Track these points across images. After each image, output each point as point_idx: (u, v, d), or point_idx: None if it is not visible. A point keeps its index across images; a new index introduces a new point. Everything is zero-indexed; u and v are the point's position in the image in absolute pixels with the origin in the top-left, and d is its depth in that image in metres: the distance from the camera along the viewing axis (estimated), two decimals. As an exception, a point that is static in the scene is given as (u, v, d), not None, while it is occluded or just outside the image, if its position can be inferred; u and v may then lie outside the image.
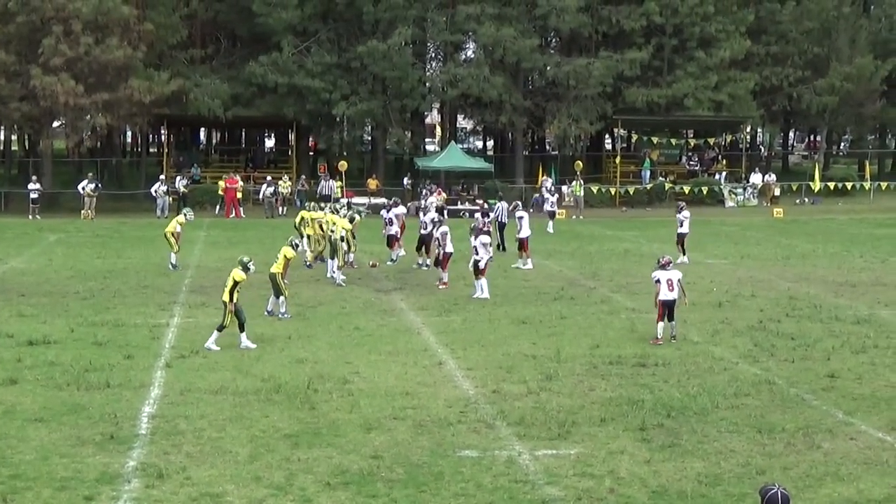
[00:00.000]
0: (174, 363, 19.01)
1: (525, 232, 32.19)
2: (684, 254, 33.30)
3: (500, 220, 37.57)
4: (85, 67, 49.62)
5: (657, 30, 59.78)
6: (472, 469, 13.35)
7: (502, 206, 39.27)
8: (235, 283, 20.29)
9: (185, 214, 32.55)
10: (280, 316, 23.60)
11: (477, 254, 26.43)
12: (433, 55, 69.36)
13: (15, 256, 34.30)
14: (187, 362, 19.14)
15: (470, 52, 65.11)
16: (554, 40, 67.56)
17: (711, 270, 31.73)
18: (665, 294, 20.77)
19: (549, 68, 60.51)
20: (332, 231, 29.14)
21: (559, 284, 28.81)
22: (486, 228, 28.70)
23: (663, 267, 21.23)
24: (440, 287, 27.84)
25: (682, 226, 33.74)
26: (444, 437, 14.67)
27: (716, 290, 27.70)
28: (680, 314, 21.58)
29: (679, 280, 21.06)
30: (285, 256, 24.09)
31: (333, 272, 28.46)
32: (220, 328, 20.28)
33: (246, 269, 20.66)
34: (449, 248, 28.33)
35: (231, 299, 20.21)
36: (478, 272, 26.42)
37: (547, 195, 46.84)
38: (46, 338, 20.80)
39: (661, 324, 20.93)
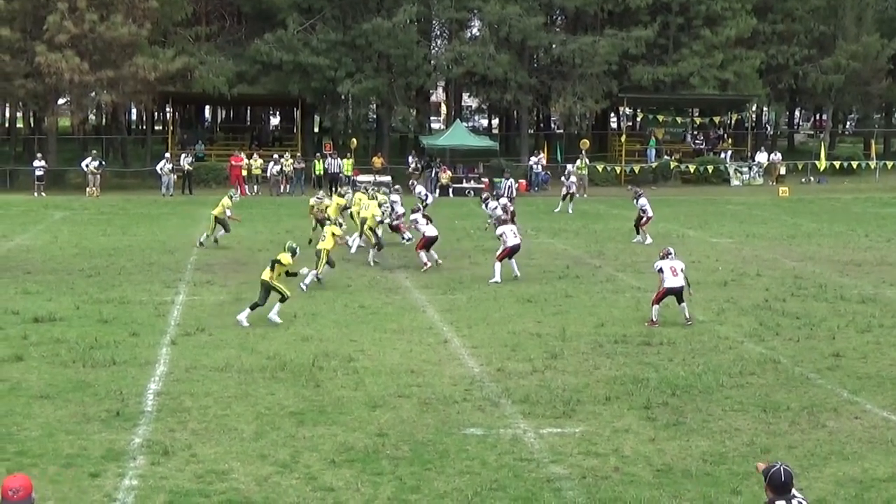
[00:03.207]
0: (179, 340, 19.04)
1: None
2: (638, 233, 33.12)
3: (508, 196, 37.70)
4: (90, 44, 49.53)
5: (663, 8, 59.56)
6: (477, 447, 13.37)
7: (509, 183, 39.49)
8: (282, 266, 20.60)
9: (230, 197, 32.22)
10: (301, 286, 23.93)
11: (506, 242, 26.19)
12: (438, 33, 69.17)
13: (20, 234, 34.34)
14: (193, 340, 19.16)
15: (475, 30, 64.93)
16: (559, 18, 67.40)
17: (716, 249, 31.70)
18: (670, 281, 20.60)
19: (554, 46, 60.38)
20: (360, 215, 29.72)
21: (564, 263, 28.80)
22: (505, 217, 28.17)
23: (664, 257, 21.17)
24: (423, 270, 27.42)
25: (645, 211, 33.30)
26: (449, 415, 14.68)
27: (721, 269, 27.68)
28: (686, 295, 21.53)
29: (682, 269, 20.94)
30: (333, 234, 25.07)
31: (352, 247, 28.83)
32: (253, 306, 20.50)
33: (293, 253, 21.03)
34: (430, 232, 28.03)
35: (278, 275, 20.52)
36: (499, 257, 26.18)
37: (563, 178, 46.37)
38: (52, 315, 20.83)
39: (656, 307, 20.80)
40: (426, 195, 37.22)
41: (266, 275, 20.49)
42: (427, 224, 28.22)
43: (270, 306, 20.55)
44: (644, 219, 33.24)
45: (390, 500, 11.68)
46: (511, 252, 25.97)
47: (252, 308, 20.50)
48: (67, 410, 14.70)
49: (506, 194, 39.02)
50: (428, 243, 27.93)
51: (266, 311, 20.54)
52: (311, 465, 12.68)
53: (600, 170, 57.46)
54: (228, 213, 31.66)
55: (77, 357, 17.60)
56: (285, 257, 20.69)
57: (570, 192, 43.78)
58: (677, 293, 20.73)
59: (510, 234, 26.14)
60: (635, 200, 33.92)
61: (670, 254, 21.39)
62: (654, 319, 20.70)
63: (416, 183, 44.87)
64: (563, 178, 46.01)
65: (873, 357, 18.35)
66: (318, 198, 33.28)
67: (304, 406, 15.04)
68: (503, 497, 11.78)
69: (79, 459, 12.74)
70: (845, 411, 15.09)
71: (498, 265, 25.86)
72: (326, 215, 30.28)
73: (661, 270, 20.85)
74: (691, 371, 17.15)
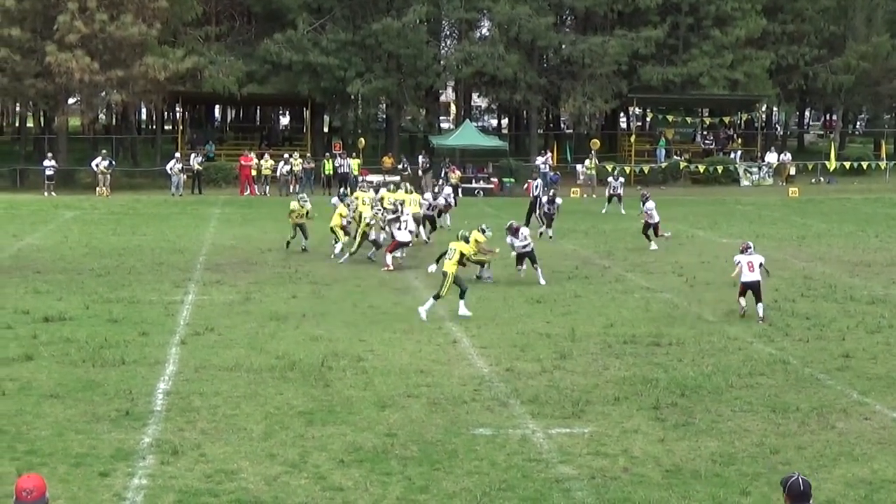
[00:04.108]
0: (189, 340, 19.06)
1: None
2: (650, 239, 32.31)
3: (537, 195, 37.80)
4: (100, 44, 49.63)
5: (673, 8, 59.55)
6: (485, 447, 13.37)
7: (537, 182, 39.66)
8: (462, 255, 21.49)
9: (348, 205, 30.78)
10: (485, 280, 25.42)
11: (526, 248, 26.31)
12: (448, 33, 69.21)
13: (30, 233, 34.40)
14: (202, 339, 19.18)
15: (485, 30, 64.98)
16: (569, 18, 67.37)
17: (726, 250, 31.52)
18: (746, 276, 21.09)
19: (564, 46, 60.40)
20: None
21: (574, 263, 28.78)
22: (517, 226, 27.97)
23: (743, 251, 21.49)
24: (383, 269, 27.28)
25: (650, 215, 32.50)
26: (458, 415, 14.68)
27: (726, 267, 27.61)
28: (696, 295, 21.51)
29: (761, 263, 21.28)
30: (476, 241, 25.11)
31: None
32: (437, 297, 21.09)
33: (466, 241, 22.21)
34: (403, 238, 27.98)
35: (458, 264, 21.34)
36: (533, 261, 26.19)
37: (611, 179, 46.11)
38: (62, 314, 20.87)
39: (742, 299, 21.26)
40: (439, 190, 37.14)
41: (449, 266, 21.23)
42: (399, 229, 28.19)
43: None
44: (650, 224, 32.49)
45: (399, 500, 11.68)
46: (522, 256, 26.14)
47: (435, 298, 21.08)
48: (77, 410, 14.73)
49: (532, 194, 39.00)
50: (397, 247, 27.97)
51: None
52: (320, 464, 12.68)
53: (610, 170, 57.33)
54: (345, 221, 30.06)
55: (87, 356, 17.62)
56: (464, 246, 21.71)
57: (617, 192, 43.71)
58: (753, 288, 21.13)
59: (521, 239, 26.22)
60: (642, 203, 32.89)
61: (749, 248, 21.67)
62: (743, 306, 21.30)
63: (444, 183, 44.29)
64: (609, 179, 45.75)
65: (883, 358, 18.31)
66: (301, 200, 32.00)
67: (314, 406, 15.05)
68: (512, 497, 11.78)
69: (88, 459, 12.76)
70: (855, 412, 15.06)
71: (537, 272, 25.87)
72: (304, 220, 30.24)
73: (738, 263, 21.35)
74: (700, 372, 17.13)
